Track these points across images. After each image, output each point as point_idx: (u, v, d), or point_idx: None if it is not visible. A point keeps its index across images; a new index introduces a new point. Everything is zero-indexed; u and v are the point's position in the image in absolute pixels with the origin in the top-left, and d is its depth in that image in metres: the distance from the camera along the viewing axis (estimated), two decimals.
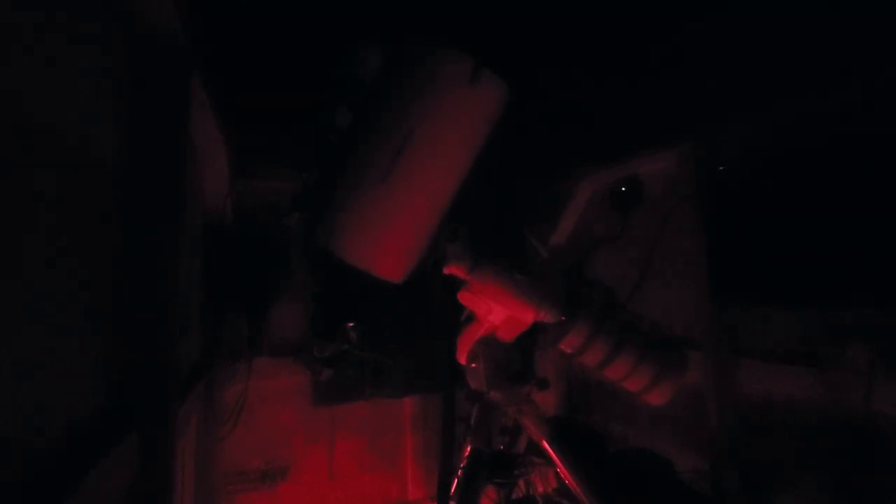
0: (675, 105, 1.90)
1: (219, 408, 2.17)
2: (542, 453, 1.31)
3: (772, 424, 2.02)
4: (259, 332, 2.27)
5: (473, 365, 1.28)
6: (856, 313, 1.74)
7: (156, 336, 1.10)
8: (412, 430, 2.79)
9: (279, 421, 2.55)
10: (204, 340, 1.97)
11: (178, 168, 1.16)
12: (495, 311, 1.21)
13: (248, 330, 2.24)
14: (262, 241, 2.27)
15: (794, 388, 1.92)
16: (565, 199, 2.97)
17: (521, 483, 1.39)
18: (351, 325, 1.28)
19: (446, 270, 1.24)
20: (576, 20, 1.29)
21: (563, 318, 1.17)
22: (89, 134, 0.89)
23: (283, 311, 2.44)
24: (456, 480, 1.30)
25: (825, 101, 1.74)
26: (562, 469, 1.29)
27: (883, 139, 1.64)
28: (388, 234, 1.11)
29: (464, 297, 1.22)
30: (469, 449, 1.30)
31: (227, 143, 1.96)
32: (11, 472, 0.62)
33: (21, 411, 0.65)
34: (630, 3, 1.22)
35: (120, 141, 1.04)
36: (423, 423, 2.77)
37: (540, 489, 1.92)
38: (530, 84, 1.06)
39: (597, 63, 1.52)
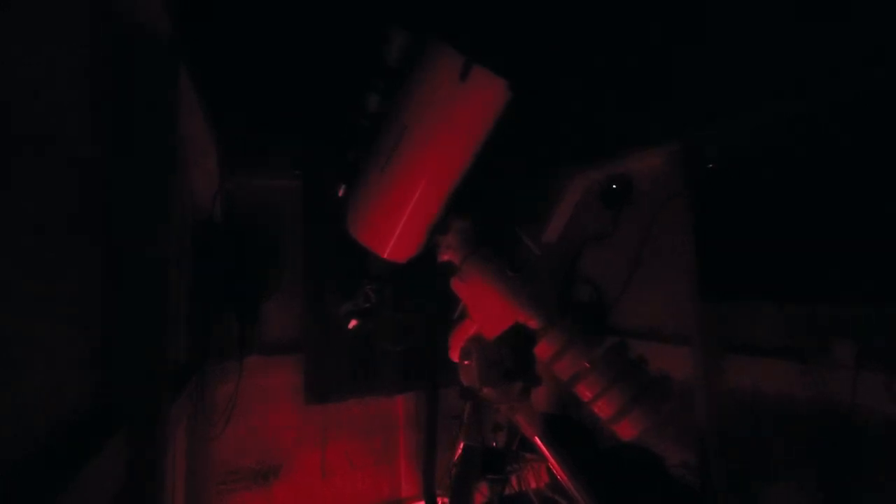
0: (666, 104, 1.91)
1: (210, 407, 2.15)
2: (535, 449, 1.32)
3: (759, 419, 2.05)
4: (250, 331, 2.26)
5: (466, 362, 1.28)
6: (841, 309, 1.77)
7: (145, 335, 1.09)
8: (405, 428, 2.80)
9: (271, 420, 2.54)
10: (194, 339, 1.96)
11: (166, 165, 1.15)
12: (484, 304, 1.21)
13: (238, 328, 2.23)
14: (252, 238, 2.26)
15: (780, 383, 1.96)
16: (557, 197, 2.98)
17: (514, 479, 1.40)
18: (370, 286, 1.35)
19: (442, 257, 1.26)
20: (569, 20, 1.29)
21: (545, 323, 1.16)
22: (77, 132, 0.88)
23: (275, 308, 2.43)
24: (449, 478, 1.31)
25: (810, 102, 1.76)
26: (553, 464, 1.29)
27: (867, 138, 1.67)
28: (386, 219, 1.19)
29: (456, 285, 1.23)
30: (462, 446, 1.31)
31: (216, 140, 1.95)
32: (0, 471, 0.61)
33: (9, 410, 0.64)
34: (623, 5, 1.23)
35: (108, 139, 1.03)
36: (416, 421, 2.77)
37: (532, 485, 1.94)
38: (523, 81, 1.06)
39: (589, 62, 1.53)
